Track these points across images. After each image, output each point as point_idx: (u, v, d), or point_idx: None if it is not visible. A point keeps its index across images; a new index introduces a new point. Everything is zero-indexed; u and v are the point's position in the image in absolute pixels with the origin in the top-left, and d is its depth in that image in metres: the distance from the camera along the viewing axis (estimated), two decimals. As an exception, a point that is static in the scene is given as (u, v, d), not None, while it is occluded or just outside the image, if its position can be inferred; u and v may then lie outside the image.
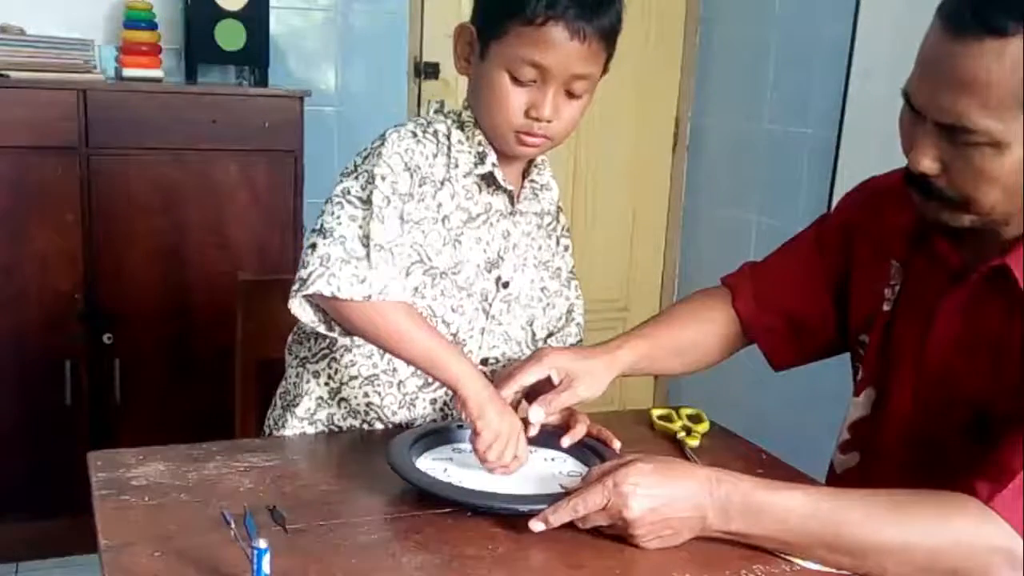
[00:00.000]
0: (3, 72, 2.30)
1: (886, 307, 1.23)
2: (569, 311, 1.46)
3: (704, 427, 1.41)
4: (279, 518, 1.03)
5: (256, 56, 2.61)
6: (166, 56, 2.60)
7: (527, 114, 1.22)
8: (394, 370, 1.32)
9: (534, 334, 1.41)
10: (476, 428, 1.14)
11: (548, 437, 1.24)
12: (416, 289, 1.27)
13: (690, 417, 1.43)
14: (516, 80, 1.21)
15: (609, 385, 1.27)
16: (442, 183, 1.27)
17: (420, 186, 1.25)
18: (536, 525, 1.02)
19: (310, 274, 1.16)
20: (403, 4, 2.98)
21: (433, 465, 1.18)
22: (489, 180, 1.30)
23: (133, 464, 1.16)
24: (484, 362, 1.35)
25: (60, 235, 2.36)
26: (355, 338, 1.27)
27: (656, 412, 1.45)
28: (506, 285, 1.34)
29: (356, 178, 1.22)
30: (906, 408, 1.19)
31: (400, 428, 1.31)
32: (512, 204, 1.33)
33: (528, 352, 1.37)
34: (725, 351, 1.41)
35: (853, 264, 1.30)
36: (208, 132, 2.44)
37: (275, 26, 2.68)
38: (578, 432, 1.25)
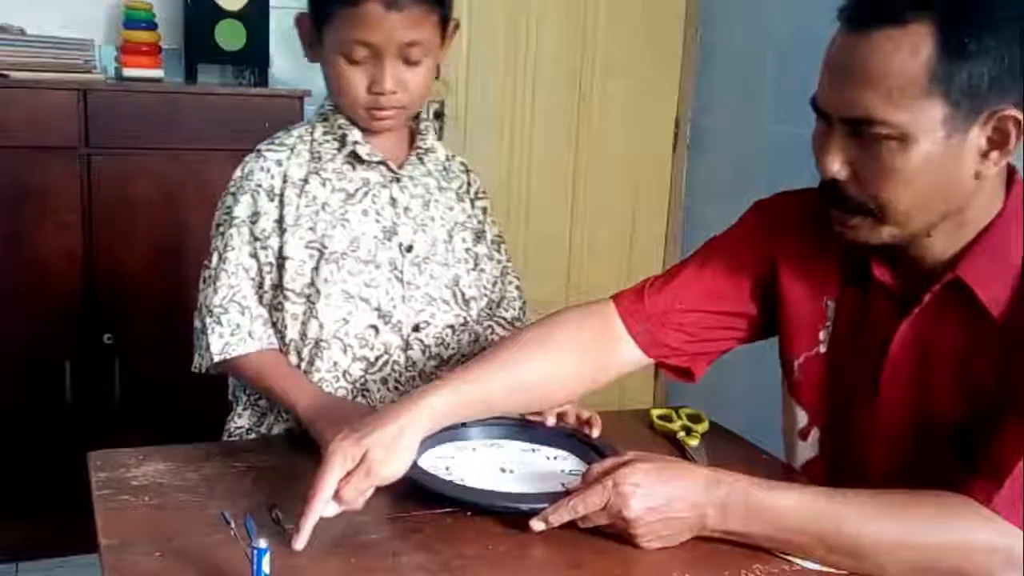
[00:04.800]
0: (3, 72, 2.30)
1: (822, 349, 1.20)
2: (503, 273, 1.48)
3: (704, 427, 1.41)
4: (279, 518, 1.03)
5: (256, 56, 2.61)
6: (166, 56, 2.60)
7: (370, 90, 1.27)
8: (365, 391, 1.35)
9: (463, 294, 1.41)
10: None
11: (549, 436, 1.25)
12: (326, 280, 1.31)
13: (690, 417, 1.43)
14: (351, 60, 1.26)
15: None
16: (306, 179, 1.32)
17: (271, 200, 1.31)
18: (536, 525, 1.03)
19: (194, 353, 1.35)
20: (403, 4, 2.97)
21: (435, 463, 1.18)
22: (358, 157, 1.34)
23: (133, 464, 1.16)
24: (416, 328, 1.36)
25: (60, 235, 2.36)
26: (315, 363, 1.33)
27: (656, 412, 1.45)
28: (409, 249, 1.36)
29: (213, 239, 1.35)
30: (877, 445, 1.15)
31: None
32: (392, 172, 1.36)
33: (460, 313, 1.39)
34: (604, 377, 1.26)
35: (782, 300, 1.22)
36: (208, 132, 2.44)
37: (275, 26, 2.67)
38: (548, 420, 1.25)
